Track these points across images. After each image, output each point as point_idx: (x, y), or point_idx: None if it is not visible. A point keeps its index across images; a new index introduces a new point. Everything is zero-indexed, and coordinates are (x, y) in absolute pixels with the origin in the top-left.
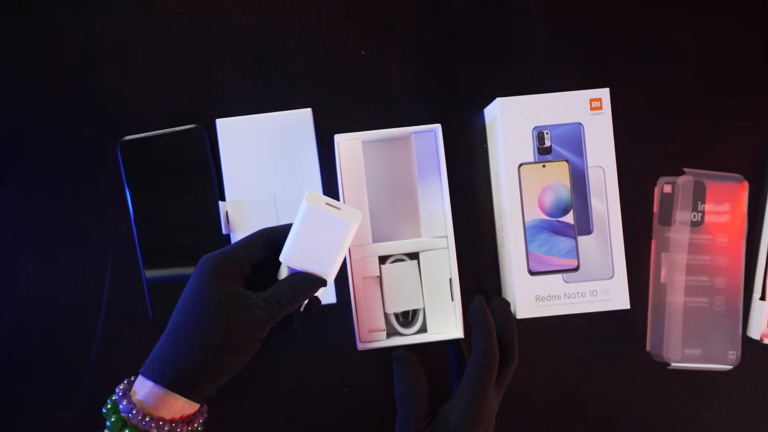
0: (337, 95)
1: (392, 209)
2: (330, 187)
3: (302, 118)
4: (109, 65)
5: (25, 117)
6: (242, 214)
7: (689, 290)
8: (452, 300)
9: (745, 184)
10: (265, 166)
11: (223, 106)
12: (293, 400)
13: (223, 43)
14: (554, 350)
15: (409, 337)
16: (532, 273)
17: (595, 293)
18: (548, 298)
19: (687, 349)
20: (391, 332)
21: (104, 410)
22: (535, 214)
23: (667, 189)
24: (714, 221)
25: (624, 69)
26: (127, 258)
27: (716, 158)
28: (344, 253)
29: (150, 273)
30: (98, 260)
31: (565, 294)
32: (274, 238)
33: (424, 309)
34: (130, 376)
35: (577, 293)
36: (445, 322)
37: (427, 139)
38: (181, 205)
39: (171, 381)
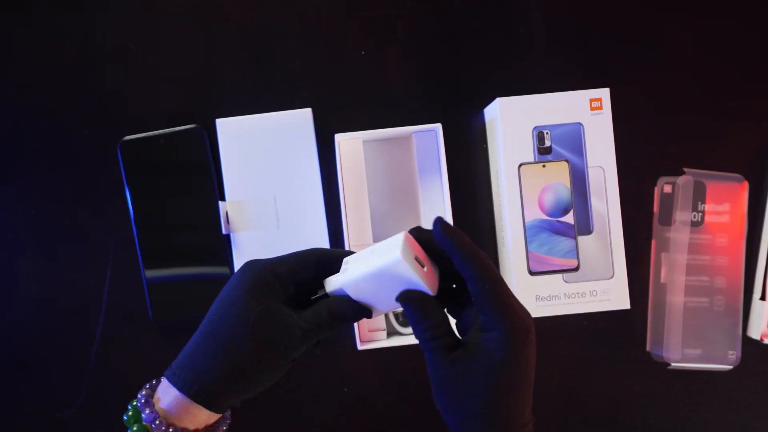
0: (337, 95)
1: (393, 209)
2: (330, 187)
3: (302, 118)
4: (109, 65)
5: (25, 117)
6: (242, 214)
7: (689, 290)
8: None
9: (745, 184)
10: (265, 166)
11: (223, 106)
12: (293, 400)
13: (223, 43)
14: (554, 350)
15: (409, 337)
16: (532, 273)
17: (595, 293)
18: (548, 298)
19: (687, 349)
20: (391, 332)
21: (125, 417)
22: (535, 214)
23: (667, 189)
24: (714, 221)
25: (624, 69)
26: (127, 258)
27: (716, 158)
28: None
29: (150, 273)
30: (98, 260)
31: (565, 294)
32: (325, 260)
33: None
34: (152, 380)
35: (577, 293)
36: None
37: (428, 139)
38: (181, 205)
39: (197, 393)
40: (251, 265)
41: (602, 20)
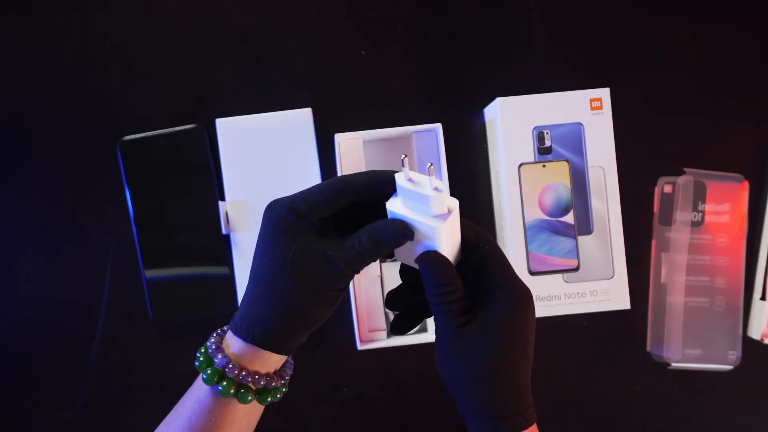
0: (337, 95)
1: None
2: None
3: (302, 118)
4: (109, 65)
5: (25, 117)
6: (242, 214)
7: (689, 290)
8: None
9: (746, 184)
10: (265, 166)
11: (223, 106)
12: (293, 400)
13: (223, 43)
14: (554, 350)
15: (409, 337)
16: (532, 273)
17: (595, 293)
18: (548, 298)
19: (687, 349)
20: None
21: (197, 363)
22: (535, 214)
23: (668, 189)
24: (714, 221)
25: (624, 69)
26: (127, 258)
27: (716, 158)
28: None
29: (150, 273)
30: (98, 260)
31: (565, 294)
32: (349, 186)
33: None
34: (218, 329)
35: (577, 293)
36: None
37: (428, 139)
38: (181, 205)
39: (261, 340)
40: (274, 207)
41: (602, 20)
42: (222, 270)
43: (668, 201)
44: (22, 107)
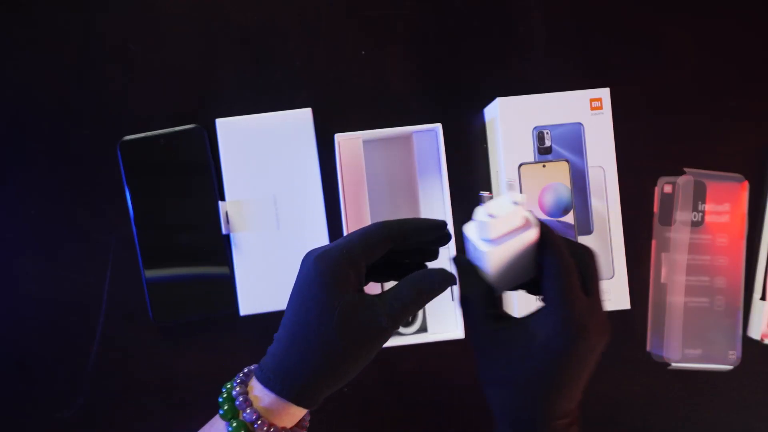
0: (337, 95)
1: (393, 208)
2: (330, 187)
3: (302, 118)
4: (109, 65)
5: (25, 117)
6: (242, 214)
7: (689, 290)
8: (452, 300)
9: (746, 184)
10: (265, 166)
11: (223, 106)
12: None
13: (223, 43)
14: None
15: (409, 337)
16: None
17: None
18: None
19: (687, 349)
20: None
21: (221, 411)
22: (536, 214)
23: (668, 189)
24: (714, 221)
25: (624, 69)
26: (127, 258)
27: (716, 158)
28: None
29: (150, 273)
30: (98, 260)
31: None
32: (395, 233)
33: (424, 309)
34: (239, 375)
35: None
36: (445, 322)
37: (428, 139)
38: (181, 205)
39: (298, 397)
40: (324, 258)
41: (602, 20)
42: (222, 270)
43: (668, 201)
44: (22, 107)
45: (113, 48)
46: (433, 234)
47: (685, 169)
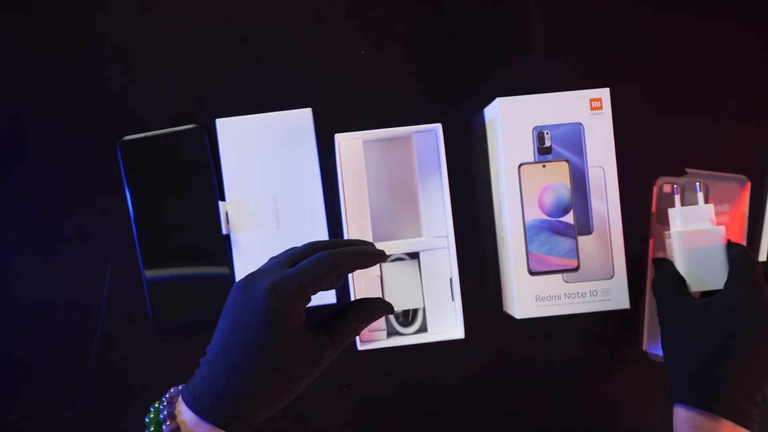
0: (337, 95)
1: (393, 209)
2: (330, 187)
3: (302, 118)
4: (109, 65)
5: (25, 117)
6: (242, 214)
7: None
8: (452, 300)
9: (748, 185)
10: (265, 166)
11: (223, 106)
12: (293, 399)
13: (223, 43)
14: (554, 350)
15: (409, 337)
16: (532, 273)
17: (595, 293)
18: (548, 298)
19: None
20: (391, 332)
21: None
22: (535, 214)
23: (667, 189)
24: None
25: (624, 69)
26: (127, 258)
27: (716, 158)
28: None
29: (150, 273)
30: (98, 260)
31: (565, 294)
32: (341, 267)
33: (424, 308)
34: (165, 397)
35: (577, 293)
36: (445, 322)
37: (428, 139)
38: (181, 205)
39: (233, 426)
40: (277, 293)
41: (602, 20)
42: (222, 270)
43: (667, 201)
44: (22, 107)
45: (113, 48)
46: (372, 263)
47: (687, 170)
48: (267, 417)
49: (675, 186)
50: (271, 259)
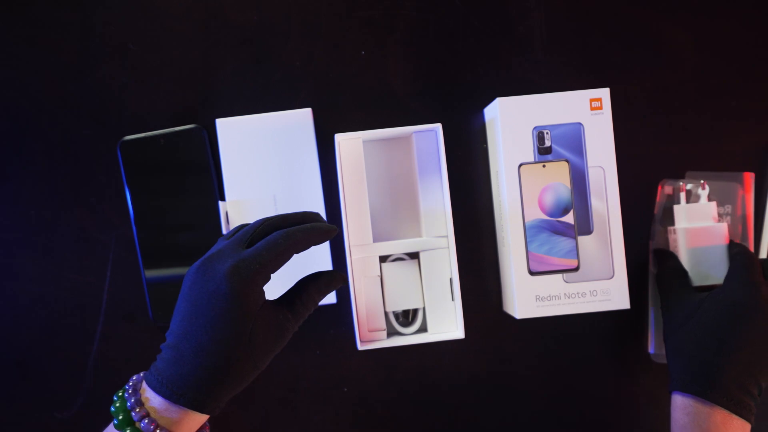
0: (337, 95)
1: (393, 209)
2: (330, 187)
3: (302, 118)
4: (109, 65)
5: (25, 117)
6: (242, 214)
7: None
8: (452, 300)
9: (750, 184)
10: (265, 166)
11: (223, 106)
12: (293, 400)
13: (223, 43)
14: (554, 350)
15: (409, 337)
16: (532, 273)
17: (595, 293)
18: (548, 298)
19: None
20: (391, 332)
21: (115, 422)
22: (535, 214)
23: (668, 191)
24: None
25: (624, 69)
26: (127, 258)
27: (716, 158)
28: None
29: (150, 273)
30: (98, 260)
31: (565, 294)
32: (300, 244)
33: (424, 308)
34: (129, 384)
35: (577, 293)
36: (445, 322)
37: (428, 139)
38: (181, 205)
39: (202, 405)
40: (239, 275)
41: (602, 20)
42: None
43: (668, 203)
44: (22, 107)
45: (113, 48)
46: (326, 239)
47: (688, 173)
48: (235, 394)
49: (682, 183)
50: (221, 239)
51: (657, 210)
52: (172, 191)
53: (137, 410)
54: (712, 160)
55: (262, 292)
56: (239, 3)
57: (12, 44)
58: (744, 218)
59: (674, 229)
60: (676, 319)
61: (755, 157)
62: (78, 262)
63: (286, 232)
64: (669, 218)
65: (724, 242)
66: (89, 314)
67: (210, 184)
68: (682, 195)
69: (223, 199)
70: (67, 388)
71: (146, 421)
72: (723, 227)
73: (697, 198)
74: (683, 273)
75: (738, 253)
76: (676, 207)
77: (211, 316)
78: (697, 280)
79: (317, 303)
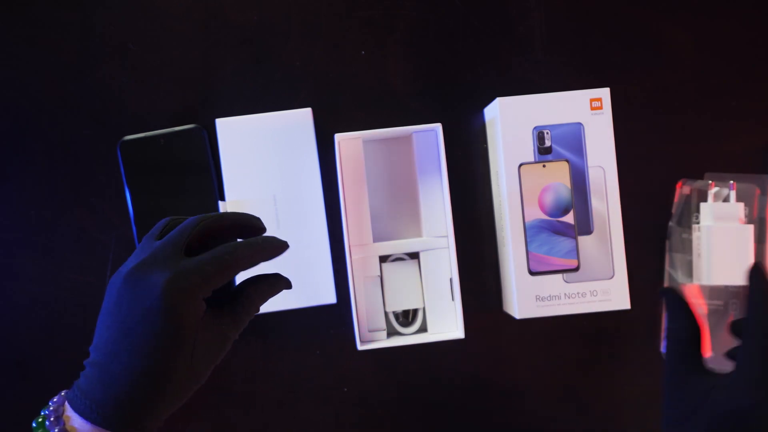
0: (337, 95)
1: (393, 209)
2: (330, 186)
3: (302, 118)
4: (109, 65)
5: (25, 117)
6: None
7: (705, 292)
8: (452, 300)
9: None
10: (265, 166)
11: (223, 106)
12: (293, 400)
13: (223, 43)
14: (554, 350)
15: (409, 337)
16: (532, 273)
17: (595, 293)
18: (548, 298)
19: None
20: (391, 332)
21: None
22: (536, 214)
23: (686, 190)
24: None
25: (624, 69)
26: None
27: (716, 158)
28: None
29: None
30: (98, 260)
31: (565, 294)
32: (246, 258)
33: (424, 309)
34: (50, 404)
35: (577, 293)
36: (445, 322)
37: (428, 139)
38: (181, 205)
39: (133, 429)
40: (179, 289)
41: (602, 20)
42: None
43: (687, 203)
44: (22, 107)
45: (113, 48)
46: (277, 255)
47: (706, 174)
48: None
49: (711, 182)
50: (148, 238)
51: (675, 209)
52: (172, 191)
53: (57, 430)
54: (712, 160)
55: (203, 304)
56: (239, 3)
57: (12, 44)
58: (761, 221)
59: (698, 227)
60: (676, 412)
61: (755, 157)
62: (78, 262)
63: (235, 247)
64: (687, 218)
65: (749, 244)
66: (89, 314)
67: (210, 184)
68: (710, 193)
69: (223, 199)
70: (67, 388)
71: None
72: (749, 229)
73: (720, 198)
74: (692, 340)
75: (760, 315)
76: (702, 205)
77: (145, 334)
78: (717, 280)
79: (258, 309)
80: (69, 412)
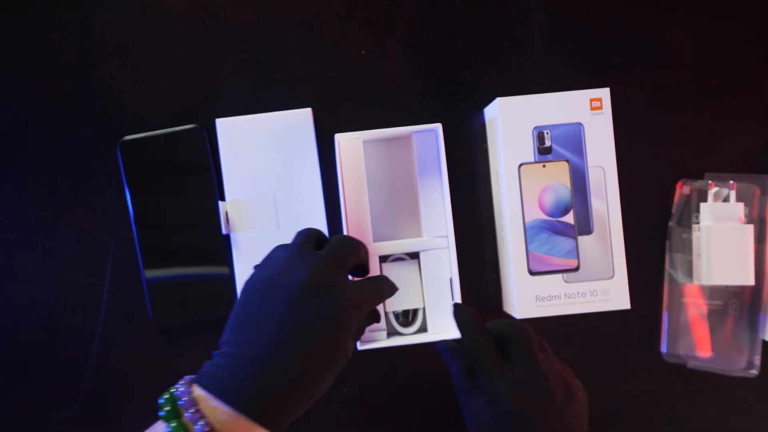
0: (337, 95)
1: (393, 209)
2: (330, 187)
3: (302, 118)
4: (109, 65)
5: (25, 117)
6: (242, 214)
7: (705, 292)
8: (452, 300)
9: None
10: (265, 166)
11: (223, 106)
12: None
13: (223, 43)
14: (554, 350)
15: (409, 337)
16: (532, 273)
17: (595, 293)
18: (548, 298)
19: (702, 352)
20: (391, 332)
21: (168, 430)
22: (536, 214)
23: (686, 190)
24: None
25: (624, 69)
26: (127, 258)
27: (716, 158)
28: None
29: (150, 273)
30: (98, 260)
31: (565, 294)
32: (384, 287)
33: (424, 309)
34: (180, 385)
35: (577, 293)
36: (445, 322)
37: (428, 139)
38: (181, 205)
39: (270, 420)
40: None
41: (602, 20)
42: (222, 270)
43: (688, 202)
44: (22, 107)
45: (113, 48)
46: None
47: (706, 174)
48: (300, 414)
49: (711, 182)
50: (300, 246)
51: (675, 209)
52: (172, 191)
53: (191, 411)
54: (712, 160)
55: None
56: (239, 3)
57: (12, 44)
58: (762, 221)
59: (698, 227)
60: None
61: (755, 157)
62: (78, 262)
63: (384, 282)
64: (687, 218)
65: (749, 244)
66: (89, 314)
67: (210, 184)
68: (710, 193)
69: (223, 199)
70: (67, 388)
71: (201, 423)
72: (749, 229)
73: (720, 198)
74: (466, 364)
75: (516, 335)
76: (702, 205)
77: (319, 341)
78: (717, 280)
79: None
80: (203, 394)
